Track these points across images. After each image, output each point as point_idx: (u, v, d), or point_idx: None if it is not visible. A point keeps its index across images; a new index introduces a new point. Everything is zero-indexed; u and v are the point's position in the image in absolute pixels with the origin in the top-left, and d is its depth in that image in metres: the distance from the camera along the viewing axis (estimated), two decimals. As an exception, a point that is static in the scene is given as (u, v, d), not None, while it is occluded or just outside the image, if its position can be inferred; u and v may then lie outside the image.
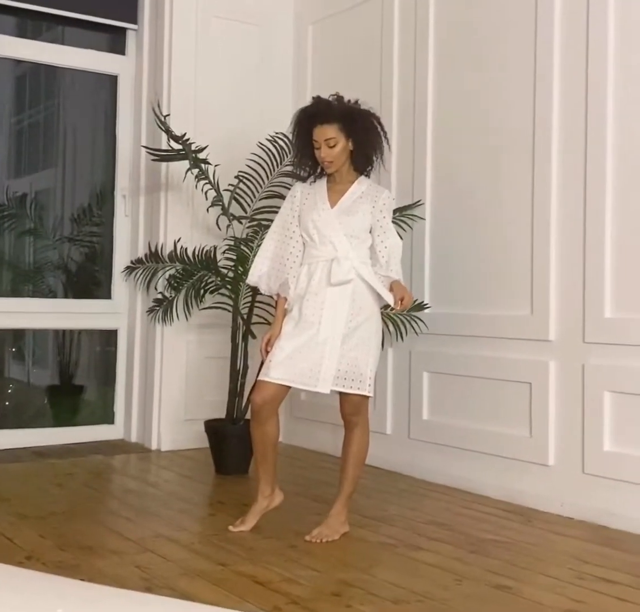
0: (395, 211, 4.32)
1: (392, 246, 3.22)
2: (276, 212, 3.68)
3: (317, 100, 3.21)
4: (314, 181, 3.30)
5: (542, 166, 3.74)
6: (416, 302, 4.23)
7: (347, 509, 3.22)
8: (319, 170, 3.28)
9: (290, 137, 3.35)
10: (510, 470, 3.83)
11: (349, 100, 3.22)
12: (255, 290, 4.36)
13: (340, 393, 3.13)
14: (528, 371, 3.77)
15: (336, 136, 3.13)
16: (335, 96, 3.21)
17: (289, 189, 3.58)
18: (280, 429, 3.24)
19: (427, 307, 4.27)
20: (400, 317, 4.23)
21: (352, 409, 3.16)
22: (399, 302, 3.10)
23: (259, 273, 3.29)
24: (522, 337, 3.81)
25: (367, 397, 3.13)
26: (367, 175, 3.30)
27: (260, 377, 3.13)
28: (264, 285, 3.29)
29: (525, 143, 3.83)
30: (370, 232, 3.21)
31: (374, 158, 3.24)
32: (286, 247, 3.24)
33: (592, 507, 3.46)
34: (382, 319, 3.30)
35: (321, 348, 3.07)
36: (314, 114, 3.17)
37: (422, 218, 4.34)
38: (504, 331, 3.90)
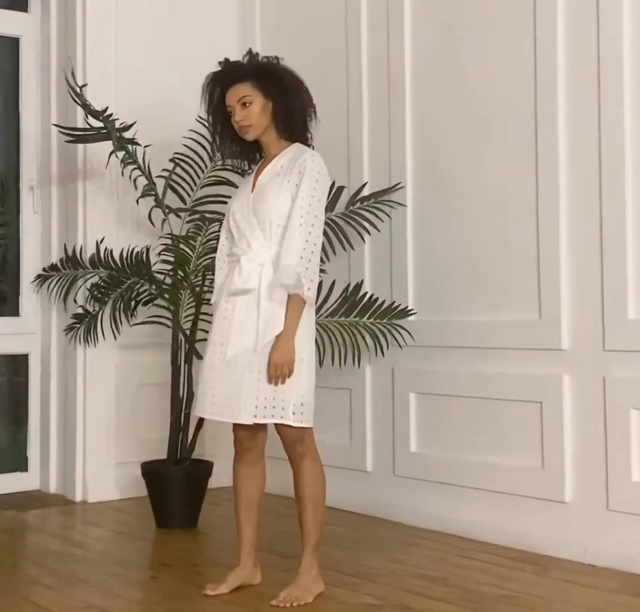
0: (369, 197, 4.43)
1: (290, 232, 3.10)
2: (223, 202, 3.72)
3: (225, 61, 3.29)
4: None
5: (547, 139, 3.81)
6: (398, 308, 4.29)
7: (317, 562, 3.25)
8: (256, 156, 3.34)
9: (210, 128, 3.37)
10: (518, 510, 3.87)
11: (268, 58, 3.27)
12: (199, 300, 4.38)
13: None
14: (537, 388, 3.83)
15: (251, 93, 3.18)
16: (248, 54, 3.28)
17: (238, 173, 3.62)
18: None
19: (412, 314, 4.33)
20: (378, 326, 4.28)
21: (286, 441, 3.22)
22: (272, 366, 3.07)
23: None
24: (529, 346, 3.87)
25: (301, 428, 3.17)
26: (305, 143, 3.30)
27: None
28: None
29: (526, 111, 3.90)
30: None
31: (305, 118, 3.27)
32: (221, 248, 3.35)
33: (620, 552, 3.51)
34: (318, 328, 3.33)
35: (233, 369, 3.15)
36: (222, 77, 3.24)
37: (402, 204, 4.40)
38: (507, 340, 3.95)
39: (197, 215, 4.51)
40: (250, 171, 3.37)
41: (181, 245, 4.38)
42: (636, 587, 3.31)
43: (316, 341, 4.27)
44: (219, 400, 3.17)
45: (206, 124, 3.43)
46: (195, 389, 3.31)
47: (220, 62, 3.30)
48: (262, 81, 3.19)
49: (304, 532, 3.24)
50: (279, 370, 3.07)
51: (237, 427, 3.24)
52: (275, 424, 3.17)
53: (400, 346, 4.31)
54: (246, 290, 3.15)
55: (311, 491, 3.23)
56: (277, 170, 3.20)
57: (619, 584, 3.35)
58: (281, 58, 3.28)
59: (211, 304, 3.39)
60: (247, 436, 3.25)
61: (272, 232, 3.15)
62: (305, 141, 3.31)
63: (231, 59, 3.32)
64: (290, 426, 3.14)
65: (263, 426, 3.25)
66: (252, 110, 3.18)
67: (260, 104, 3.19)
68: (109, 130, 4.22)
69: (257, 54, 3.29)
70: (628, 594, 3.23)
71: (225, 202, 4.12)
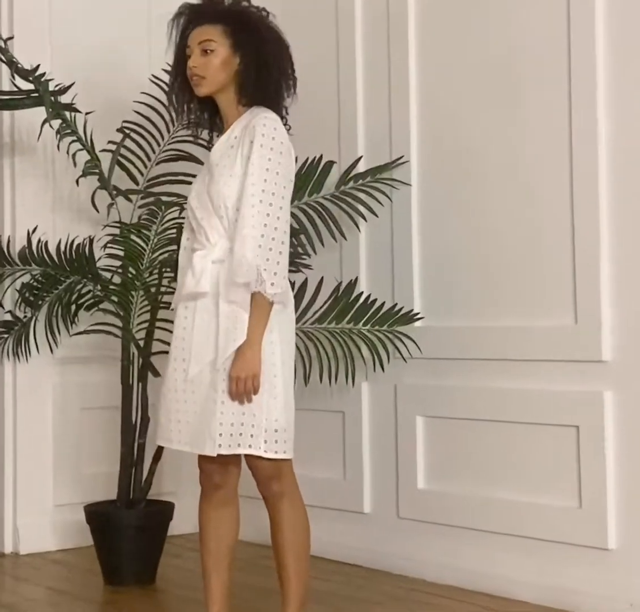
0: (365, 174, 4.42)
1: (243, 217, 3.07)
2: (184, 182, 3.70)
3: None
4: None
5: (584, 109, 3.80)
6: (400, 313, 4.28)
7: None
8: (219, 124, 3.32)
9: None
10: (552, 559, 3.87)
11: (257, 8, 3.27)
12: (156, 304, 4.36)
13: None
14: (573, 409, 3.82)
15: (216, 40, 3.17)
16: None
17: (203, 146, 3.61)
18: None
19: (418, 319, 4.33)
20: (377, 334, 4.27)
21: (258, 477, 3.21)
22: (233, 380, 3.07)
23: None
24: (562, 358, 3.87)
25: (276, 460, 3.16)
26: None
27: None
28: None
29: (559, 72, 3.90)
30: None
31: (278, 89, 3.25)
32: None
33: (677, 609, 3.53)
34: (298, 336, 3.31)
35: (196, 389, 3.16)
36: (192, 11, 3.25)
37: (406, 183, 4.39)
38: (536, 351, 3.95)
39: (151, 199, 4.50)
40: (212, 144, 3.35)
41: (132, 236, 4.36)
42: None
43: (299, 351, 4.29)
44: (185, 427, 3.16)
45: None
46: (157, 413, 3.29)
47: None
48: (234, 30, 3.18)
49: (285, 590, 3.23)
50: (240, 385, 3.04)
51: (203, 459, 3.22)
52: (245, 456, 3.15)
53: (404, 358, 4.31)
54: (198, 294, 3.14)
55: (291, 539, 3.22)
56: (231, 142, 3.18)
57: (677, 649, 3.35)
58: (273, 15, 3.27)
59: (172, 309, 3.37)
60: (216, 469, 3.23)
61: (230, 220, 3.13)
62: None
63: None
64: (261, 458, 3.12)
65: (235, 458, 3.22)
66: (211, 60, 3.17)
67: (223, 55, 3.18)
68: (42, 94, 4.18)
69: (249, 2, 3.28)
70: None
71: (187, 183, 4.11)
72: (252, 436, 3.08)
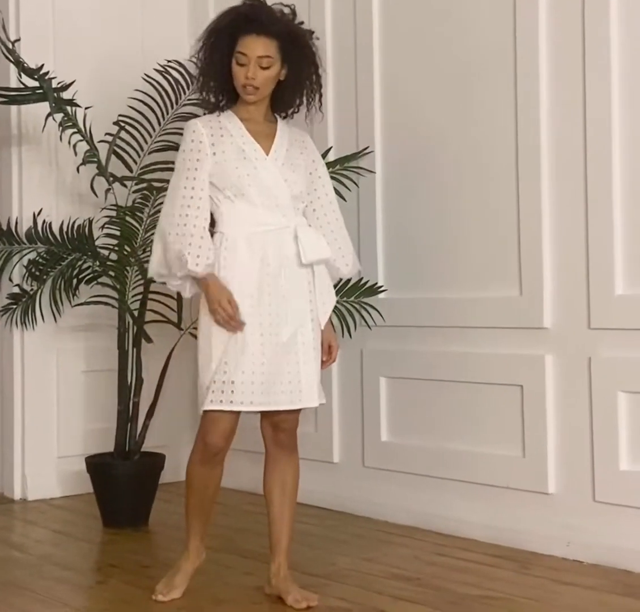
0: (334, 163, 4.40)
1: (342, 227, 3.42)
2: (173, 169, 3.63)
3: (257, 3, 3.20)
4: (219, 114, 3.24)
5: (527, 99, 3.80)
6: (366, 285, 4.27)
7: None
8: (223, 100, 3.23)
9: (199, 49, 3.22)
10: (498, 502, 3.89)
11: (302, 26, 3.23)
12: (148, 278, 4.34)
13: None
14: (518, 370, 3.84)
15: (274, 57, 3.13)
16: (291, 12, 3.21)
17: (205, 108, 3.50)
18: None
19: (381, 291, 4.32)
20: (345, 305, 4.26)
21: (290, 428, 3.24)
22: (327, 352, 3.28)
23: (205, 261, 3.10)
24: (508, 325, 3.88)
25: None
26: (284, 118, 3.33)
27: (215, 406, 3.07)
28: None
29: (506, 70, 3.88)
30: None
31: (306, 99, 3.27)
32: (193, 209, 3.12)
33: (609, 546, 3.54)
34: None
35: (291, 349, 3.13)
36: (252, 20, 3.14)
37: (370, 171, 4.38)
38: (485, 319, 3.96)
39: (144, 184, 4.46)
40: (221, 111, 3.23)
41: (127, 218, 4.35)
42: (627, 585, 3.33)
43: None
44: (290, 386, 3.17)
45: (200, 45, 3.22)
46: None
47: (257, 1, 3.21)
48: (287, 48, 3.15)
49: (278, 539, 3.23)
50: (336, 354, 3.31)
51: (225, 425, 3.13)
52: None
53: (369, 326, 4.30)
54: (324, 259, 3.25)
55: (294, 492, 3.27)
56: (290, 142, 3.25)
57: (608, 582, 3.36)
58: (317, 37, 3.26)
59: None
60: (230, 435, 3.16)
61: (301, 204, 3.25)
62: (288, 116, 3.32)
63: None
64: (295, 410, 3.19)
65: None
66: (267, 75, 3.14)
67: (277, 71, 3.16)
68: (45, 90, 4.17)
69: (294, 13, 3.21)
70: (618, 594, 3.24)
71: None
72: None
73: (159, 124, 4.61)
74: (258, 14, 3.14)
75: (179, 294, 3.41)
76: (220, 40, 3.16)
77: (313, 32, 3.25)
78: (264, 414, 3.19)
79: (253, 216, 3.15)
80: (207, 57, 3.20)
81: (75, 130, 4.34)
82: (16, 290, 4.77)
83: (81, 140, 4.38)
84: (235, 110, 3.23)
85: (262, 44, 3.11)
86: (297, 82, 3.22)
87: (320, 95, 3.30)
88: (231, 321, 3.04)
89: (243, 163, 3.14)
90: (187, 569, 3.26)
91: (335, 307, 4.23)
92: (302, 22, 3.23)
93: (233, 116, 3.22)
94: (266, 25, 3.12)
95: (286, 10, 3.20)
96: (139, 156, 4.60)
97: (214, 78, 3.20)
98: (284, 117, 3.31)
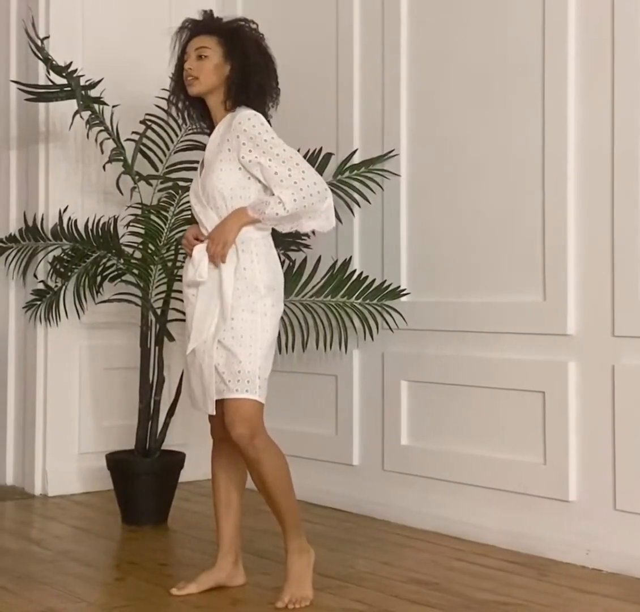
0: (359, 165, 4.40)
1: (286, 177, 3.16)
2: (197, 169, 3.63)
3: (206, 13, 3.36)
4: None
5: (555, 105, 3.78)
6: (389, 288, 4.26)
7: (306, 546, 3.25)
8: (193, 110, 3.40)
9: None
10: (518, 509, 3.87)
11: (252, 27, 3.33)
12: (171, 277, 4.35)
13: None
14: (541, 376, 3.82)
15: (211, 48, 3.24)
16: (243, 20, 3.35)
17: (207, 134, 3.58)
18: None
19: (405, 294, 4.30)
20: (368, 307, 4.26)
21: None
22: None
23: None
24: (532, 331, 3.86)
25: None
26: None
27: (257, 397, 3.13)
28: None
29: (533, 71, 3.86)
30: (256, 183, 3.22)
31: (257, 92, 3.28)
32: None
33: (629, 555, 3.51)
34: None
35: None
36: (193, 25, 3.33)
37: (395, 174, 4.37)
38: (508, 324, 3.94)
39: (169, 183, 4.48)
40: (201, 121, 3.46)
41: (152, 216, 4.35)
42: (645, 594, 3.32)
43: (298, 321, 4.29)
44: None
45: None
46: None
47: (204, 11, 3.36)
48: (228, 42, 3.25)
49: (280, 523, 3.26)
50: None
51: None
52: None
53: (391, 329, 4.29)
54: (197, 283, 3.23)
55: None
56: (219, 140, 3.24)
57: (627, 591, 3.34)
58: (262, 36, 3.35)
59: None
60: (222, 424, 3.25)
61: (224, 210, 3.21)
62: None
63: (214, 13, 3.38)
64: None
65: None
66: (204, 64, 3.24)
67: (215, 61, 3.25)
68: (73, 88, 4.19)
69: (245, 20, 3.35)
70: (636, 603, 3.23)
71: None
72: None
73: (186, 123, 4.60)
74: (202, 19, 3.33)
75: None
76: (177, 60, 3.36)
77: (258, 31, 3.33)
78: None
79: None
80: (174, 66, 3.41)
81: (102, 128, 4.35)
82: (40, 286, 4.78)
83: (108, 139, 4.40)
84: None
85: (199, 40, 3.27)
86: (243, 75, 3.25)
87: (276, 91, 3.33)
88: None
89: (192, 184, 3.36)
90: (210, 573, 3.31)
91: (358, 310, 4.26)
92: (249, 21, 3.34)
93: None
94: (205, 25, 3.30)
95: (246, 20, 3.34)
96: (165, 155, 4.61)
97: (176, 85, 3.38)
98: (230, 109, 3.28)
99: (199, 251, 3.20)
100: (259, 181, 3.18)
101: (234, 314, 3.12)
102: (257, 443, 3.12)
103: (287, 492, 3.20)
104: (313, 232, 3.34)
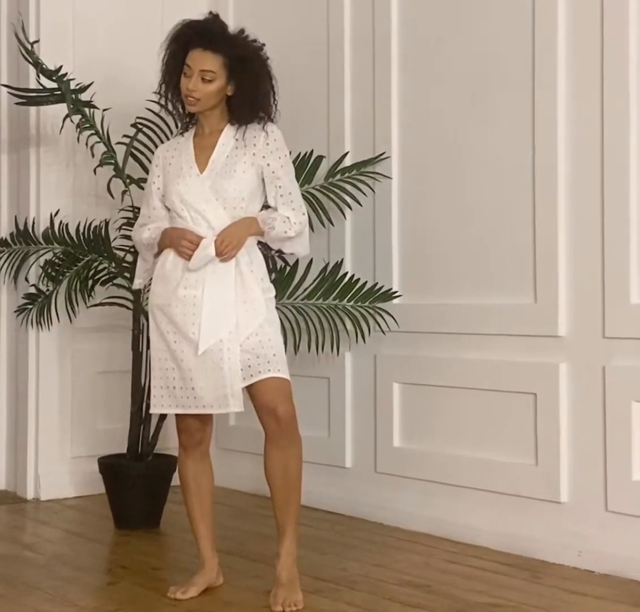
0: (351, 168, 4.40)
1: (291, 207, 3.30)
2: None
3: (212, 18, 3.29)
4: (183, 132, 3.41)
5: (545, 108, 3.78)
6: (381, 291, 4.26)
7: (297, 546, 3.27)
8: (182, 109, 3.37)
9: (161, 59, 3.37)
10: (510, 511, 3.87)
11: (254, 41, 3.29)
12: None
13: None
14: (532, 378, 3.82)
15: (216, 71, 3.20)
16: (240, 31, 3.29)
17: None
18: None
19: (396, 296, 4.31)
20: (360, 309, 4.26)
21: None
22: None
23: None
24: (523, 333, 3.86)
25: None
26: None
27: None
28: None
29: (523, 75, 3.87)
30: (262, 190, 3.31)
31: (263, 112, 3.30)
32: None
33: (620, 556, 3.52)
34: None
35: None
36: (199, 32, 3.23)
37: (387, 177, 4.37)
38: (500, 326, 3.94)
39: (161, 187, 4.46)
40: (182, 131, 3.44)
41: (144, 220, 4.35)
42: (636, 595, 3.31)
43: (290, 324, 4.29)
44: None
45: (161, 55, 3.37)
46: None
47: (211, 12, 3.31)
48: (233, 65, 3.21)
49: (284, 521, 3.25)
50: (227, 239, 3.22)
51: (187, 416, 3.30)
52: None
53: (383, 331, 4.29)
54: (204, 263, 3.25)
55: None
56: (233, 144, 3.28)
57: (620, 592, 3.35)
58: (263, 44, 3.31)
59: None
60: (198, 427, 3.32)
61: (240, 209, 3.26)
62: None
63: (218, 16, 3.31)
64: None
65: (210, 416, 3.35)
66: (208, 88, 3.22)
67: (219, 85, 3.23)
68: (64, 92, 4.18)
69: (244, 32, 3.29)
70: (629, 605, 3.23)
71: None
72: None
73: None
74: (209, 29, 3.25)
75: None
76: (174, 52, 3.29)
77: (263, 45, 3.30)
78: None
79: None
80: (163, 67, 3.35)
81: (92, 131, 4.35)
82: (32, 290, 4.78)
83: (99, 142, 4.39)
84: (196, 128, 3.38)
85: (206, 59, 3.20)
86: (245, 98, 3.26)
87: (276, 108, 3.34)
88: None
89: (178, 180, 3.29)
90: (203, 574, 3.34)
91: (350, 312, 4.26)
92: (254, 40, 3.30)
93: (190, 135, 3.37)
94: (213, 41, 3.21)
95: (241, 32, 3.29)
96: (156, 158, 4.61)
97: (168, 87, 3.35)
98: (236, 125, 3.31)
99: (206, 247, 3.20)
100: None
101: (265, 304, 3.23)
102: (296, 424, 3.23)
103: (300, 486, 3.26)
104: (291, 253, 3.44)
